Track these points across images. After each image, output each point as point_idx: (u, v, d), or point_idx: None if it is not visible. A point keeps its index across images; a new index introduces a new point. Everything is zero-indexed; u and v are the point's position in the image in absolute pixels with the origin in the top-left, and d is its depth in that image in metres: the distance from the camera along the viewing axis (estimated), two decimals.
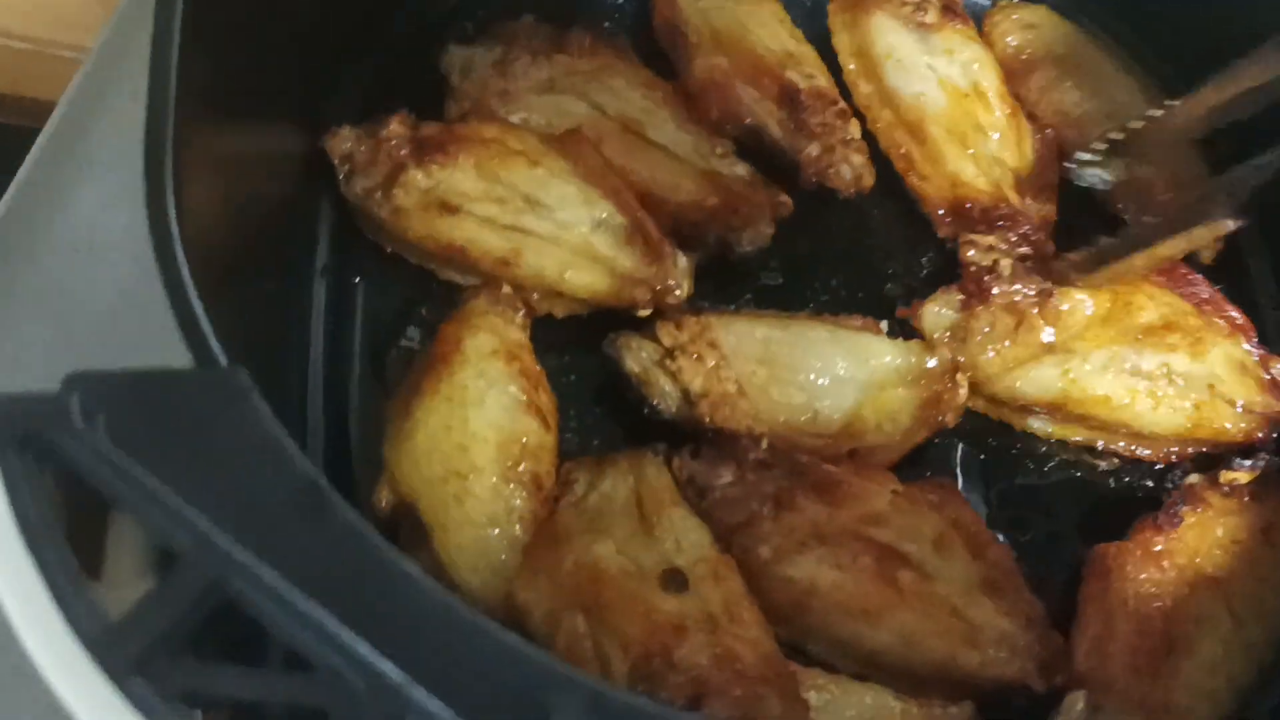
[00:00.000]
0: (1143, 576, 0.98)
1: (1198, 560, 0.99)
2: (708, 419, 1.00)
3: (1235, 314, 1.11)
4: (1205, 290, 1.12)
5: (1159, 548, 0.99)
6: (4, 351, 0.76)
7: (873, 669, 0.93)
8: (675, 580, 0.87)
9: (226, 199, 0.85)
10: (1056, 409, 1.06)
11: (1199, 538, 1.00)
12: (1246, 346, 1.09)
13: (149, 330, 0.61)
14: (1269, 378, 1.09)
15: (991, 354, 1.06)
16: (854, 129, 1.15)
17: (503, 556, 0.91)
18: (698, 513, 0.95)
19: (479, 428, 0.94)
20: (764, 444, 0.98)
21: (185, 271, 0.58)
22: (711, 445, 0.98)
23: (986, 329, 1.06)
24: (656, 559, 0.89)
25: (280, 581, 0.49)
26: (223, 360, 0.56)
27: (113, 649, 0.47)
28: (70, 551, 0.49)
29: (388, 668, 0.48)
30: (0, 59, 1.36)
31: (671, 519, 0.93)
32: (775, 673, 0.85)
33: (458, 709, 0.47)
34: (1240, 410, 1.06)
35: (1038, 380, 1.06)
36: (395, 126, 1.03)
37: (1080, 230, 1.15)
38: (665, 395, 1.02)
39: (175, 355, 0.60)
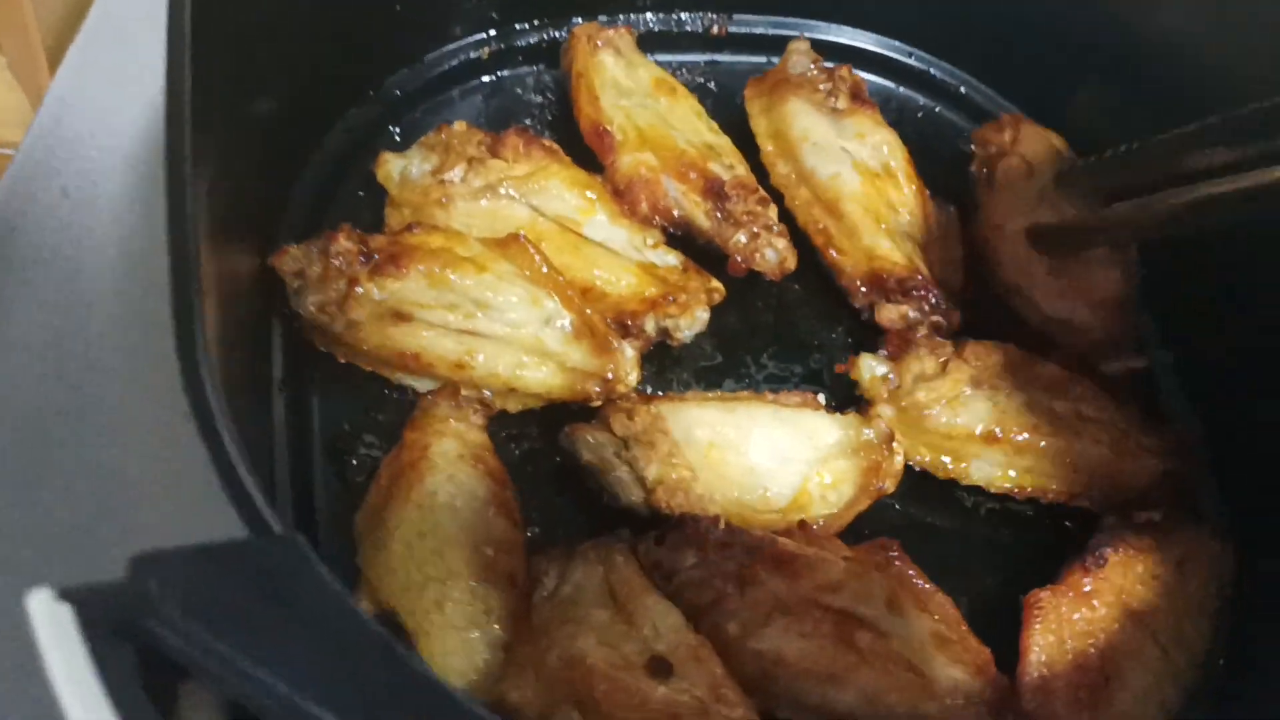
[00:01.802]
0: (1076, 617, 1.06)
1: (1124, 597, 1.07)
2: (663, 504, 1.05)
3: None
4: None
5: (1088, 588, 1.07)
6: None
7: None
8: (661, 667, 0.91)
9: (221, 332, 0.86)
10: (995, 441, 1.13)
11: (1122, 576, 1.08)
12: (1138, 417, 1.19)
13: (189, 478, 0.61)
14: (1164, 429, 1.19)
15: (927, 392, 1.14)
16: (774, 214, 1.22)
17: (486, 658, 0.93)
18: (666, 596, 0.99)
19: (452, 532, 0.97)
20: (722, 524, 1.03)
21: (228, 440, 0.60)
22: (674, 530, 1.03)
23: (917, 371, 1.15)
24: (638, 646, 0.93)
25: None
26: (276, 526, 0.58)
27: None
28: None
29: None
30: None
31: (645, 605, 0.97)
32: None
33: None
34: (1147, 451, 1.15)
35: (974, 411, 1.14)
36: (344, 242, 1.06)
37: (980, 303, 1.25)
38: (622, 483, 1.06)
39: (216, 507, 0.61)
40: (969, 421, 1.14)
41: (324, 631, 0.55)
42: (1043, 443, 1.14)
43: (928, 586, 1.05)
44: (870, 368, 1.16)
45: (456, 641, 0.94)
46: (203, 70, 0.76)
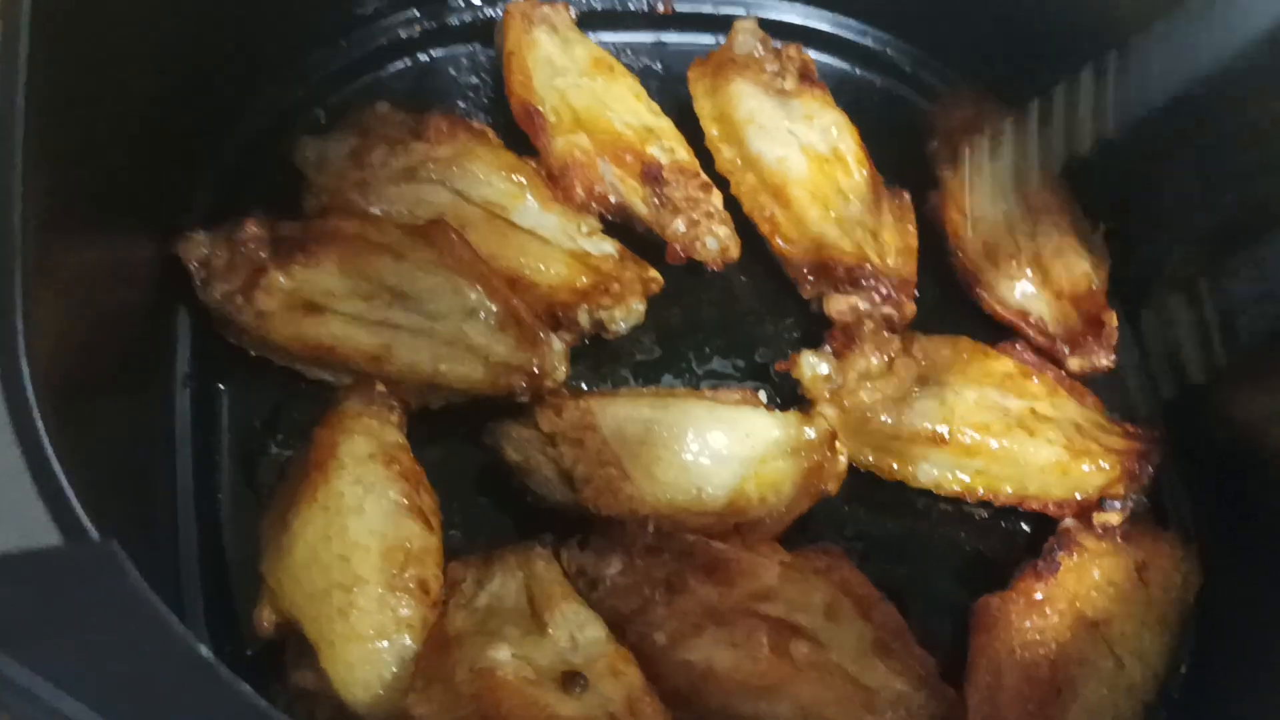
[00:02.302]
0: (1027, 624, 1.01)
1: (1078, 605, 1.02)
2: (591, 504, 0.99)
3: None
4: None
5: (1040, 595, 1.02)
6: None
7: None
8: (575, 682, 0.85)
9: (79, 324, 0.81)
10: (942, 442, 1.08)
11: (1077, 582, 1.03)
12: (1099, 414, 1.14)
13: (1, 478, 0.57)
14: (1127, 427, 1.13)
15: (870, 392, 1.08)
16: (717, 200, 1.16)
17: (393, 670, 0.88)
18: (590, 603, 0.94)
19: (360, 536, 0.92)
20: (650, 528, 0.97)
21: (46, 442, 0.55)
22: (599, 534, 0.97)
23: (862, 369, 1.09)
24: (553, 659, 0.88)
25: None
26: (93, 534, 0.52)
27: None
28: None
29: None
30: None
31: (564, 614, 0.92)
32: None
33: None
34: (1106, 451, 1.10)
35: (920, 410, 1.08)
36: (251, 228, 1.01)
37: (937, 288, 1.19)
38: (548, 482, 1.01)
39: (26, 508, 0.56)
40: (914, 421, 1.08)
41: (135, 651, 0.49)
42: (994, 443, 1.08)
43: (871, 594, 0.99)
44: (811, 365, 1.10)
45: (361, 652, 0.88)
46: (51, 46, 0.71)
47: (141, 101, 0.97)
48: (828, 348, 1.11)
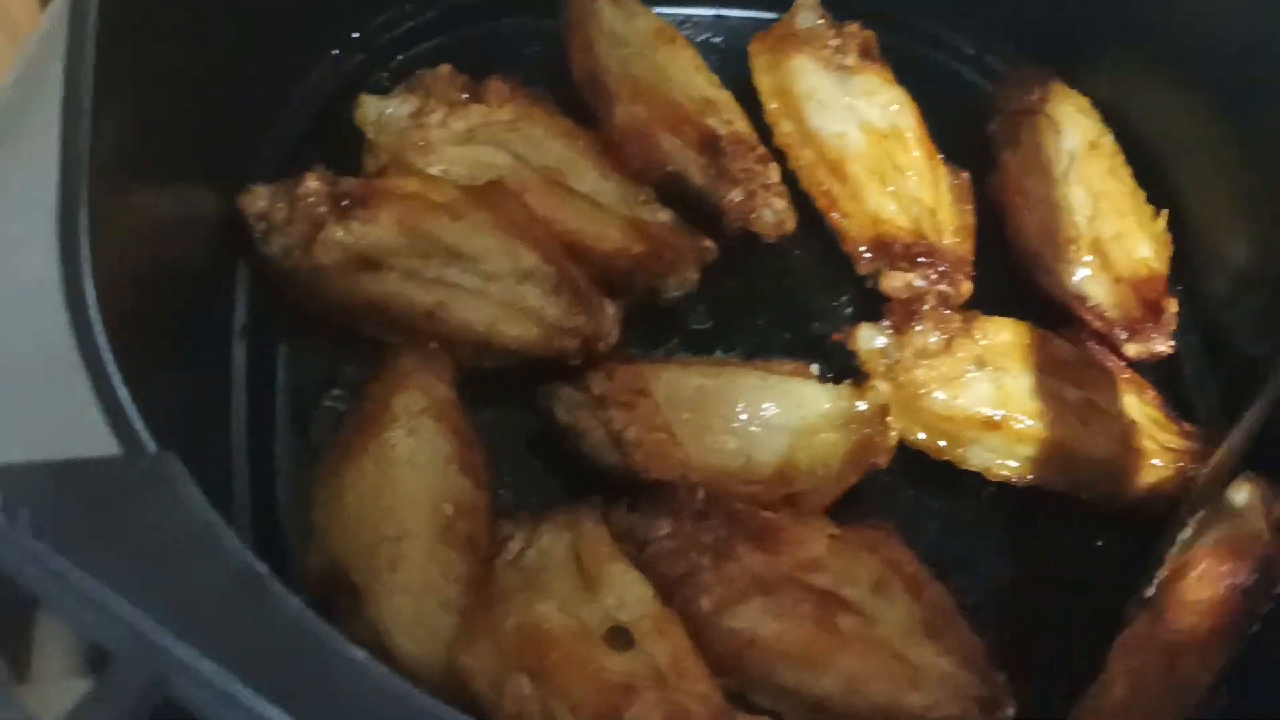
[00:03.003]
0: None
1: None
2: (641, 468, 0.99)
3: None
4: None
5: None
6: None
7: (818, 716, 0.92)
8: (621, 638, 0.85)
9: (142, 264, 0.82)
10: (995, 428, 1.06)
11: None
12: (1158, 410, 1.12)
13: (55, 381, 0.58)
14: (1185, 426, 1.11)
15: (926, 370, 1.07)
16: (774, 173, 1.15)
17: (440, 621, 0.88)
18: (637, 566, 0.94)
19: (411, 489, 0.92)
20: (701, 494, 0.97)
21: (107, 355, 0.56)
22: (649, 497, 0.97)
23: (919, 346, 1.08)
24: (600, 616, 0.87)
25: (223, 676, 0.46)
26: (151, 446, 0.53)
27: None
28: None
29: None
30: None
31: (612, 574, 0.91)
32: None
33: None
34: (1161, 449, 1.08)
35: (975, 393, 1.07)
36: (312, 183, 1.01)
37: (995, 270, 1.18)
38: (599, 445, 1.01)
39: (90, 423, 0.57)
40: (969, 404, 1.06)
41: (189, 560, 0.50)
42: (1046, 432, 1.06)
43: (920, 573, 0.98)
44: (869, 338, 1.09)
45: (409, 603, 0.88)
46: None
47: (211, 58, 0.99)
48: (886, 322, 1.10)
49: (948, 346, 1.08)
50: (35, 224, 0.67)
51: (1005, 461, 1.08)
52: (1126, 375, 1.12)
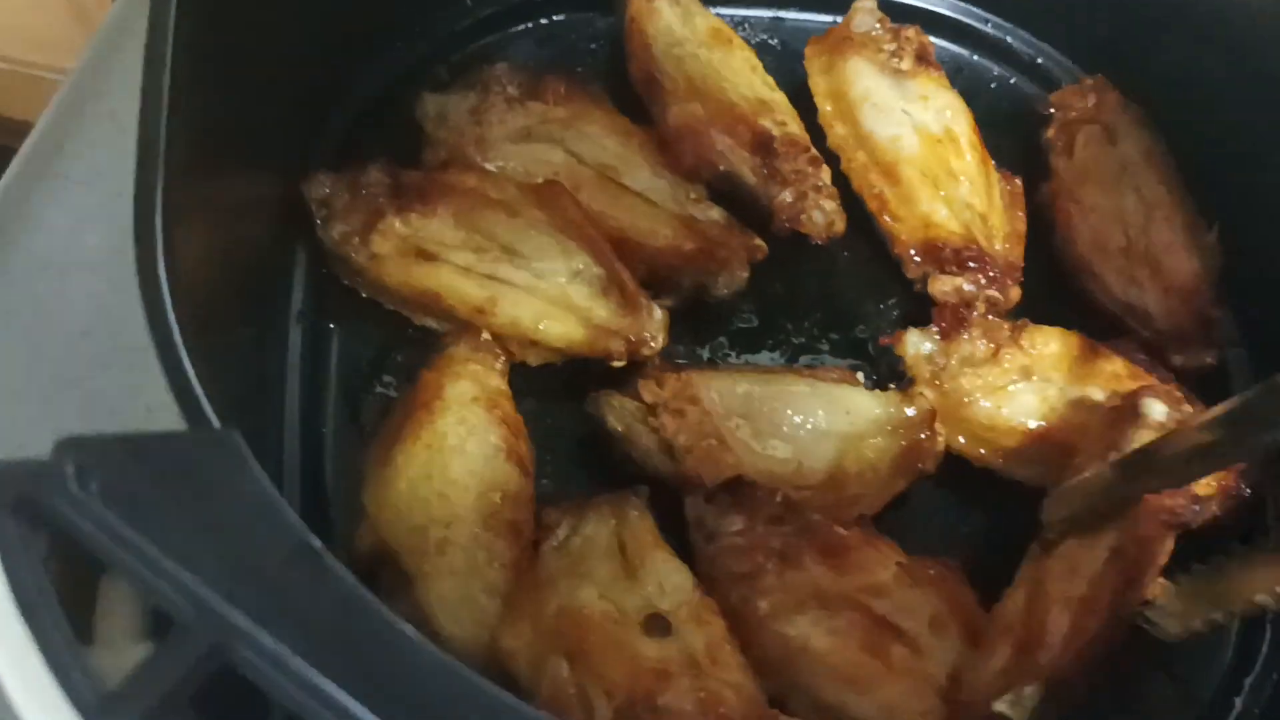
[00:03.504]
0: None
1: None
2: (693, 473, 1.00)
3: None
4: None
5: None
6: None
7: None
8: (658, 625, 0.87)
9: (209, 245, 0.85)
10: (1038, 440, 1.06)
11: None
12: None
13: (124, 355, 0.60)
14: None
15: (972, 378, 1.07)
16: (825, 175, 1.16)
17: (484, 604, 0.90)
18: (696, 555, 0.95)
19: (460, 475, 0.94)
20: (779, 497, 0.97)
21: (177, 335, 0.58)
22: (725, 491, 0.97)
23: (966, 354, 1.08)
24: (639, 603, 0.89)
25: (280, 646, 0.48)
26: (215, 423, 0.55)
27: (110, 717, 0.47)
28: (65, 618, 0.49)
29: None
30: None
31: (654, 562, 0.93)
32: (758, 715, 0.85)
33: None
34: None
35: (1020, 404, 1.07)
36: (375, 173, 1.04)
37: (1044, 278, 1.18)
38: (648, 452, 1.02)
39: (159, 399, 0.59)
40: (1012, 415, 1.07)
41: (250, 533, 0.52)
42: (1091, 446, 1.05)
43: (979, 617, 0.96)
44: (916, 344, 1.09)
45: (454, 585, 0.91)
46: None
47: (280, 50, 1.02)
48: (934, 328, 1.10)
49: (995, 355, 1.08)
50: (107, 202, 0.69)
51: (1046, 472, 1.07)
52: (1174, 390, 1.12)
